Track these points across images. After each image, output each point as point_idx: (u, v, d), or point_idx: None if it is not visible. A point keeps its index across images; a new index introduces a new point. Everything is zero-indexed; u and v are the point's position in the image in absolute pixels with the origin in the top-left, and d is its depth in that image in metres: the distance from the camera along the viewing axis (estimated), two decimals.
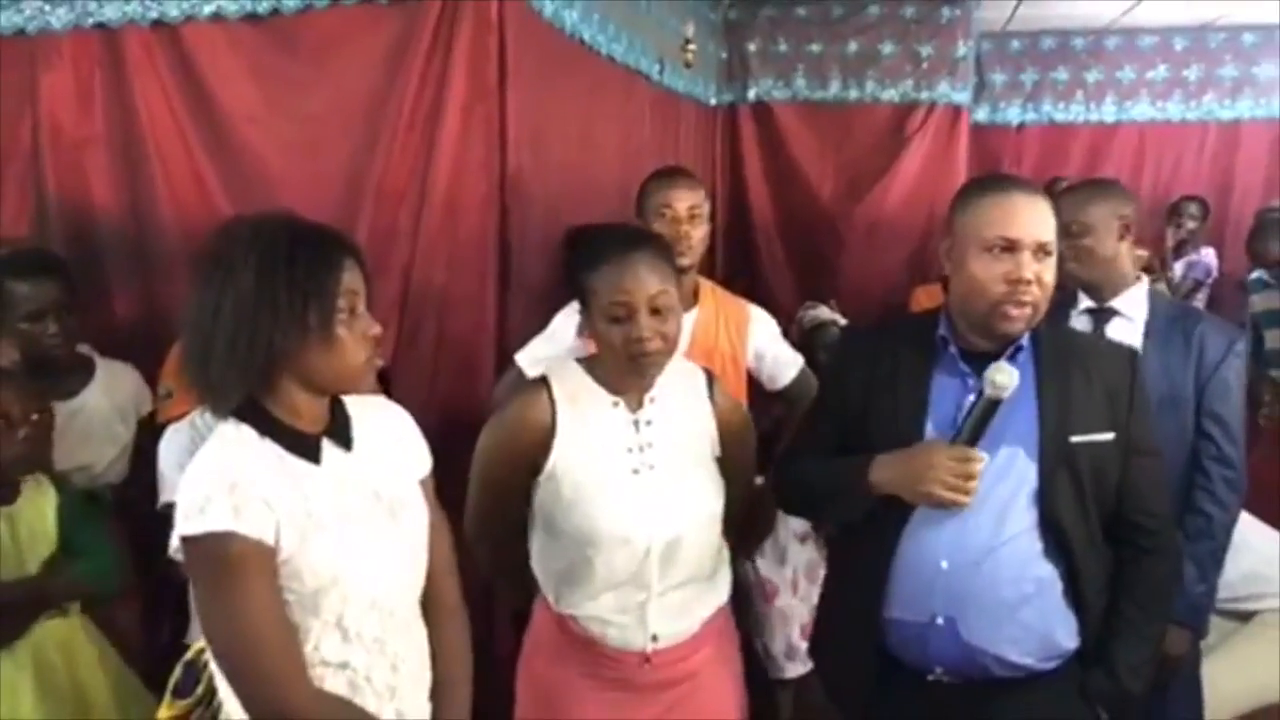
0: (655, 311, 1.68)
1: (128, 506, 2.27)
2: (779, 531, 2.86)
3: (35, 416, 1.99)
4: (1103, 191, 2.26)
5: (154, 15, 2.46)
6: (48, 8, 2.51)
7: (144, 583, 2.08)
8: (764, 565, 2.84)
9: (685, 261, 2.36)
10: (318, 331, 1.30)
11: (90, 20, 2.50)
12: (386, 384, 2.35)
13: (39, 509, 2.03)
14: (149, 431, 2.35)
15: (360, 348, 1.35)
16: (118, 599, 2.12)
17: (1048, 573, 1.61)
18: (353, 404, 1.46)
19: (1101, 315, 2.21)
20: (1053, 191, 4.63)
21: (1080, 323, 2.22)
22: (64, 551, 2.02)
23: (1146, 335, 2.14)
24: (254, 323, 1.27)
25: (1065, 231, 2.12)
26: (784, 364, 2.53)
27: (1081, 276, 2.21)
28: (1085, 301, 2.25)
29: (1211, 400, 2.09)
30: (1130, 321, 2.18)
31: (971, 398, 1.59)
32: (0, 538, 1.95)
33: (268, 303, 1.27)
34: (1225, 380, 2.10)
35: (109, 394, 2.36)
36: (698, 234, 2.38)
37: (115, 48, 2.51)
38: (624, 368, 1.72)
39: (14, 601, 1.92)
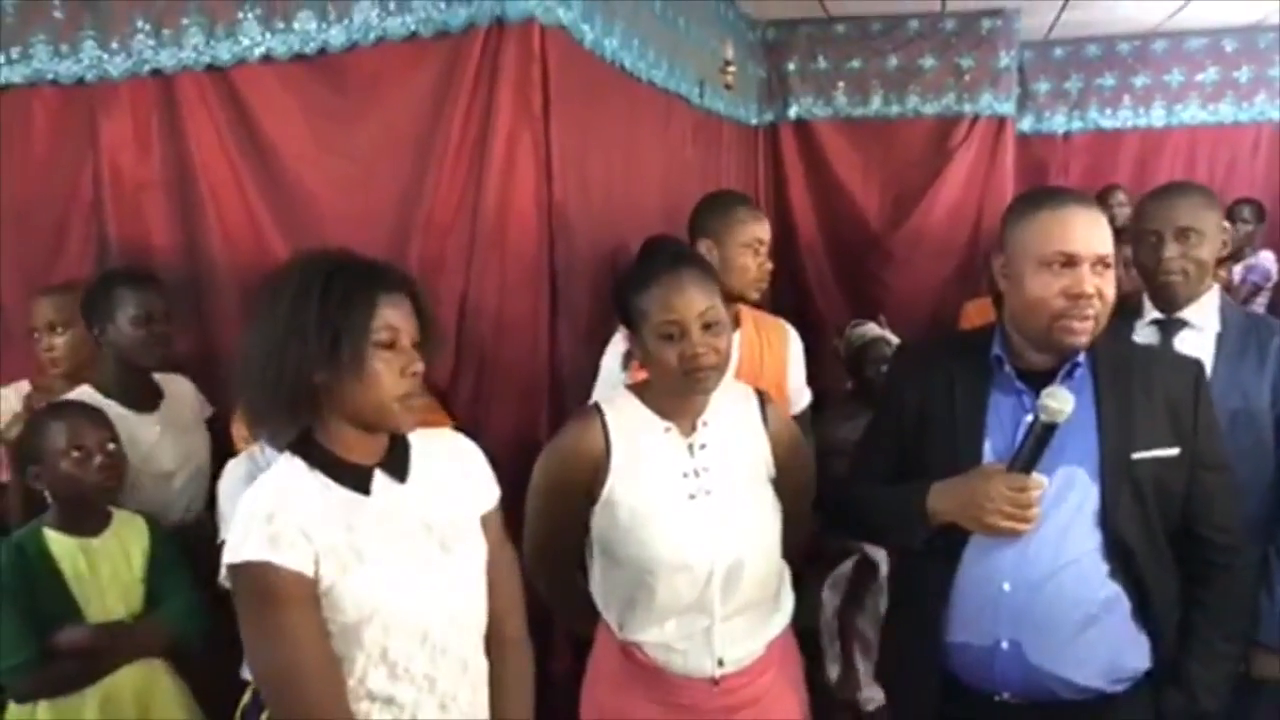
0: (706, 327, 1.68)
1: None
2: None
3: (111, 447, 2.04)
4: (1212, 199, 2.17)
5: (206, 60, 2.53)
6: (105, 56, 2.59)
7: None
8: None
9: (758, 296, 2.40)
10: (350, 365, 1.31)
11: (146, 67, 2.57)
12: (449, 410, 2.38)
13: (126, 546, 2.07)
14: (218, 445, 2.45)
15: (398, 383, 1.35)
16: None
17: (1114, 593, 1.58)
18: (418, 437, 1.47)
19: (1170, 326, 2.13)
20: (1107, 200, 4.60)
21: (1146, 334, 2.15)
22: (149, 592, 2.06)
23: (1218, 347, 2.06)
24: (284, 353, 1.30)
25: (1179, 237, 2.08)
26: (802, 392, 2.53)
27: (1185, 292, 2.11)
28: (1152, 313, 2.16)
29: None
30: (1200, 332, 2.09)
31: (1029, 418, 1.56)
32: (80, 570, 1.99)
33: (297, 335, 1.29)
34: None
35: (178, 404, 2.48)
36: (770, 267, 2.44)
37: (170, 93, 2.58)
38: (679, 387, 1.72)
39: (99, 647, 1.96)
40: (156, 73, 2.58)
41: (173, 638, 2.05)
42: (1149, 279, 2.16)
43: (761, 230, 2.41)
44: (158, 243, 2.63)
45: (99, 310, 2.34)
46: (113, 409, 2.21)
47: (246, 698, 1.58)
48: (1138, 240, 2.18)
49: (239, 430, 2.24)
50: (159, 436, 2.38)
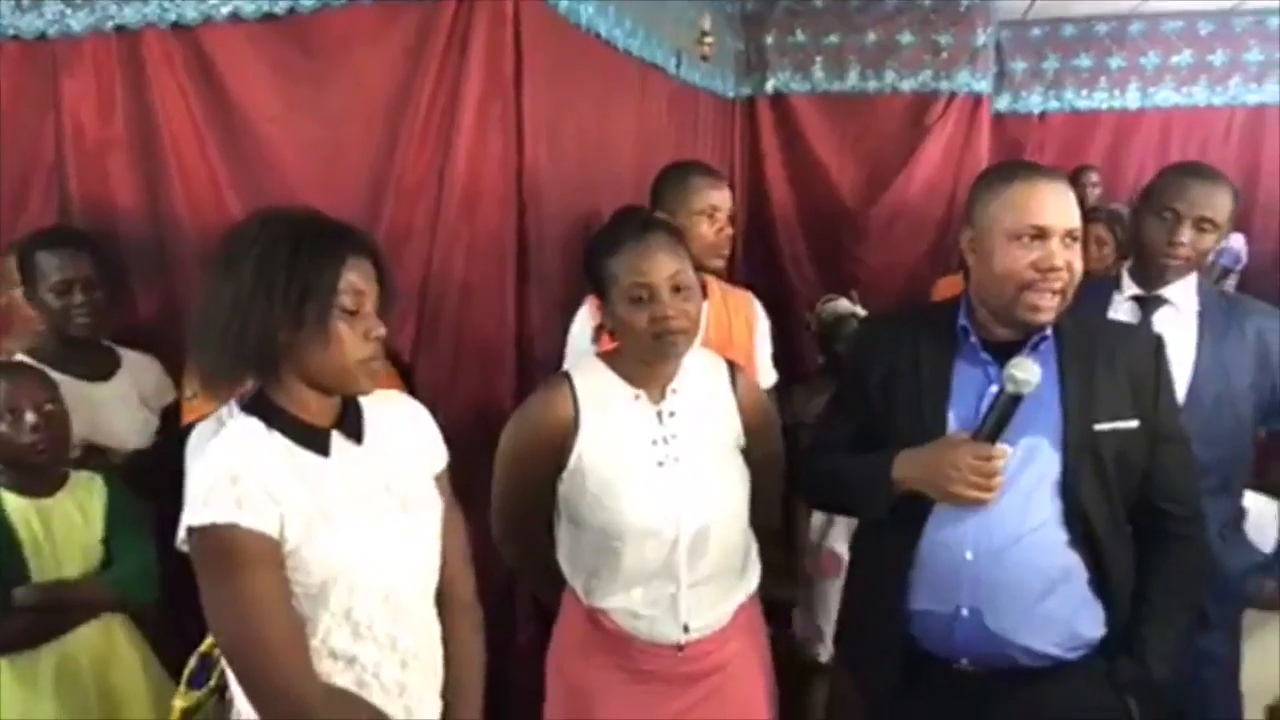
0: (676, 290, 1.69)
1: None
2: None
3: (49, 408, 2.01)
4: (1231, 188, 2.16)
5: (172, 17, 2.47)
6: (68, 11, 2.53)
7: (166, 575, 2.08)
8: (834, 539, 2.79)
9: (721, 264, 2.38)
10: (314, 325, 1.30)
11: (110, 23, 2.51)
12: (409, 379, 2.36)
13: (84, 506, 2.04)
14: (172, 427, 2.38)
15: (360, 346, 1.34)
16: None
17: (1073, 562, 1.60)
18: (367, 398, 1.46)
19: (1150, 303, 2.16)
20: (1079, 180, 4.63)
21: (1125, 310, 2.18)
22: (104, 551, 2.04)
23: (1201, 330, 2.10)
24: (248, 311, 1.28)
25: (1198, 225, 2.09)
26: (768, 371, 2.52)
27: (1175, 276, 2.14)
28: (1132, 288, 2.20)
29: None
30: (1179, 311, 2.13)
31: (994, 389, 1.57)
32: (34, 530, 1.96)
33: (264, 292, 1.28)
34: None
35: (134, 382, 2.42)
36: (732, 234, 2.42)
37: (134, 50, 2.52)
38: (649, 352, 1.72)
39: (44, 605, 1.94)
40: (120, 29, 2.52)
41: (120, 597, 2.03)
42: (1147, 252, 2.16)
43: (717, 197, 2.39)
44: (121, 203, 2.58)
45: (27, 276, 2.29)
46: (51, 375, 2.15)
47: (193, 663, 1.56)
48: (1149, 210, 2.17)
49: (192, 385, 2.19)
50: (107, 408, 2.32)
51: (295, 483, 1.32)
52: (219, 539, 1.27)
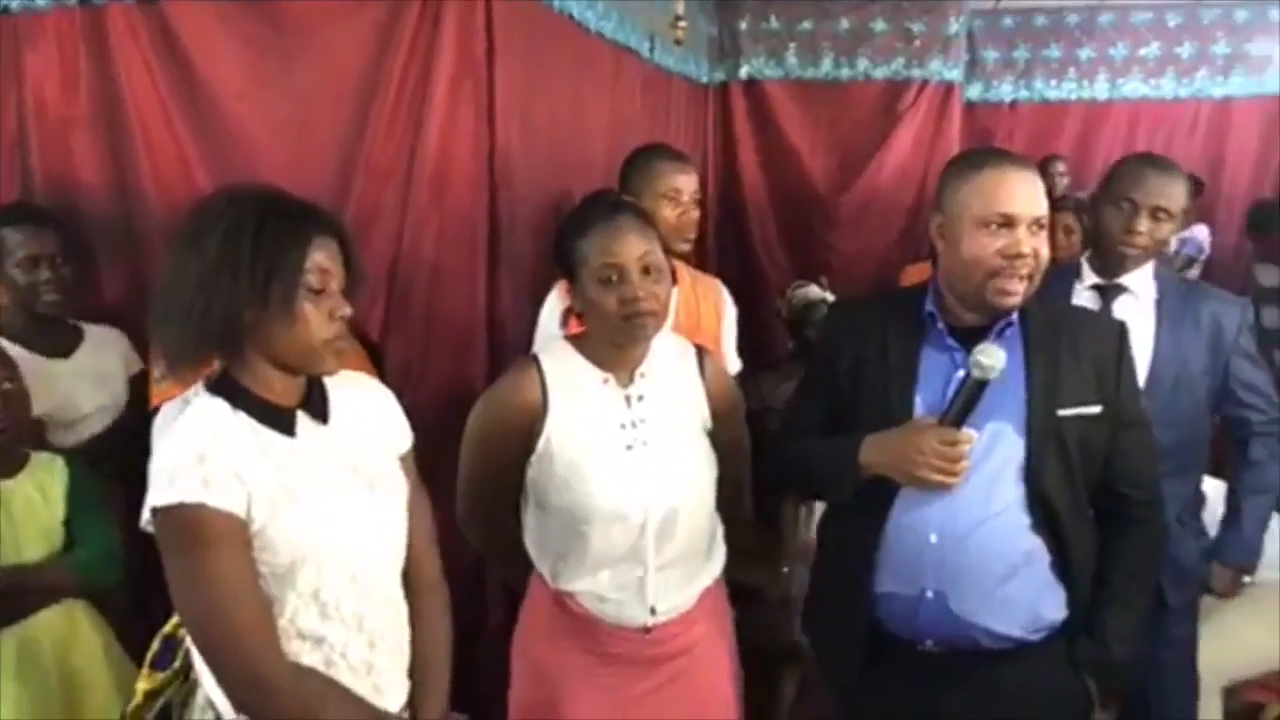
0: (645, 271, 1.69)
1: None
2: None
3: (7, 386, 1.98)
4: (1186, 178, 2.21)
5: None
6: None
7: (130, 556, 2.06)
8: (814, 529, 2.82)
9: (686, 247, 2.38)
10: (279, 305, 1.29)
11: None
12: (379, 360, 2.35)
13: (44, 489, 2.01)
14: (139, 405, 2.36)
15: (325, 327, 1.34)
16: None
17: (1035, 545, 1.62)
18: (331, 379, 1.45)
19: (1110, 291, 2.20)
20: (1047, 170, 4.68)
21: (1086, 298, 2.22)
22: (66, 533, 2.02)
23: (1159, 317, 2.15)
24: (213, 288, 1.27)
25: (1154, 215, 2.13)
26: (732, 359, 2.53)
27: (1134, 265, 2.18)
28: (1091, 277, 2.24)
29: (1240, 371, 2.14)
30: (1138, 298, 2.18)
31: (960, 374, 1.59)
32: None
33: (229, 270, 1.27)
34: (1247, 350, 2.14)
35: (98, 355, 2.39)
36: (697, 217, 2.41)
37: (98, 24, 2.47)
38: (618, 334, 1.72)
39: (5, 589, 1.91)
40: (84, 3, 2.46)
41: (83, 580, 2.01)
42: (1105, 241, 2.20)
43: (681, 180, 2.39)
44: (85, 180, 2.53)
45: None
46: (16, 352, 2.12)
47: (157, 644, 1.55)
48: (1107, 199, 2.21)
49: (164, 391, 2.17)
50: (71, 384, 2.29)
51: (261, 462, 1.31)
52: (185, 519, 1.26)
